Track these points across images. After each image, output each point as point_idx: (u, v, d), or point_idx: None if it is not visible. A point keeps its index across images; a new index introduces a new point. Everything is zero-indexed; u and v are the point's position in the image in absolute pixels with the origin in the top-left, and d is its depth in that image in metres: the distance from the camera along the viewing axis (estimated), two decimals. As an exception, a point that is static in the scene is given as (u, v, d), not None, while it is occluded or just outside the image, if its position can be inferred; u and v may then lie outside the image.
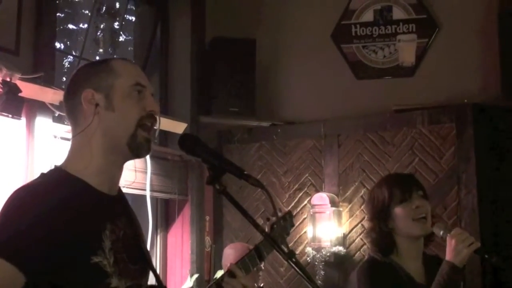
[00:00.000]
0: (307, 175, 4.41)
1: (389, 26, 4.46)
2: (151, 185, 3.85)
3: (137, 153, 1.64)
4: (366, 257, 3.34)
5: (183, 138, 1.67)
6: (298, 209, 4.39)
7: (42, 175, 1.63)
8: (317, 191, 4.32)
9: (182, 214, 4.30)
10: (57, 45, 4.11)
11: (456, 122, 4.02)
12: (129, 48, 5.73)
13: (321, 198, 4.19)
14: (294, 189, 4.44)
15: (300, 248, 4.31)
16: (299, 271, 1.55)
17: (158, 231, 4.28)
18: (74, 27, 6.33)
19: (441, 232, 2.37)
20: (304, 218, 4.33)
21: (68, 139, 2.16)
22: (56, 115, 3.32)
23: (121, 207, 1.70)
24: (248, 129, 4.59)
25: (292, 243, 4.28)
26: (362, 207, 4.15)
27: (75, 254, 1.49)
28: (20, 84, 3.03)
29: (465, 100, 4.06)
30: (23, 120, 3.17)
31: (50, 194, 1.53)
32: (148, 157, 3.59)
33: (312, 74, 4.59)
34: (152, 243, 4.18)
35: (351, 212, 4.26)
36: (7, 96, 2.96)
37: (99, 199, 1.61)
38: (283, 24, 4.69)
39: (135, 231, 1.71)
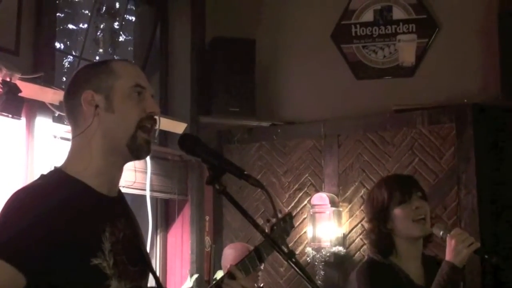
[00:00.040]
0: (307, 175, 4.41)
1: (389, 26, 4.45)
2: (151, 185, 3.86)
3: (137, 155, 1.65)
4: (365, 258, 3.34)
5: (183, 138, 1.67)
6: (298, 209, 4.39)
7: (42, 176, 1.63)
8: (317, 191, 4.32)
9: (182, 214, 4.30)
10: (57, 45, 4.12)
11: (456, 122, 4.02)
12: (129, 48, 5.74)
13: (321, 198, 4.19)
14: (294, 189, 4.44)
15: (300, 248, 4.31)
16: (299, 271, 1.55)
17: (158, 231, 4.28)
18: (74, 27, 6.33)
19: (441, 233, 2.37)
20: (304, 218, 4.33)
21: (68, 139, 2.16)
22: (56, 115, 3.32)
23: (121, 209, 1.70)
24: (248, 129, 4.59)
25: (292, 243, 4.28)
26: (362, 207, 4.14)
27: (75, 256, 1.49)
28: (20, 84, 3.03)
29: (465, 100, 4.06)
30: (23, 120, 3.17)
31: (50, 195, 1.53)
32: (148, 157, 3.59)
33: (312, 74, 4.58)
34: (152, 243, 4.18)
35: (351, 212, 4.26)
36: (7, 96, 2.96)
37: (99, 201, 1.61)
38: (283, 24, 4.69)
39: (135, 233, 1.71)
